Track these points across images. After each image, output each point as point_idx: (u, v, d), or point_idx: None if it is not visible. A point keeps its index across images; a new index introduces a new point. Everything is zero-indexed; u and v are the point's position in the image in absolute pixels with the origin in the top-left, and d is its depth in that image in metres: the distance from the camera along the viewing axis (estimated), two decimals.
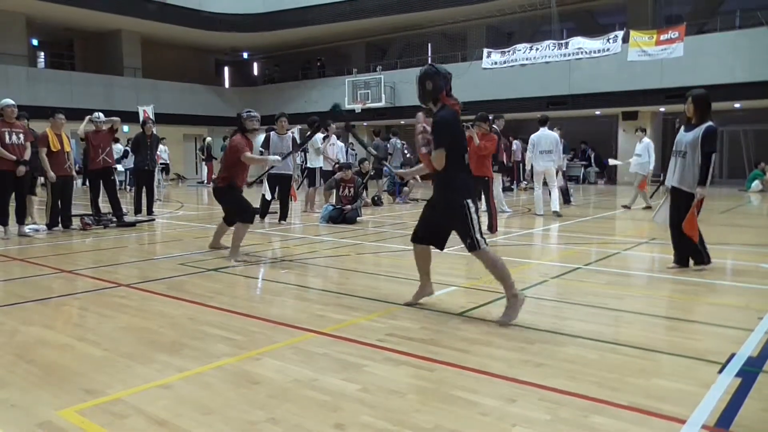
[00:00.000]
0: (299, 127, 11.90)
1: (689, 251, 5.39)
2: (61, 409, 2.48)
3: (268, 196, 9.40)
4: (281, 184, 9.36)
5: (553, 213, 10.04)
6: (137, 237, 8.26)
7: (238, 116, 6.39)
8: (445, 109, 3.84)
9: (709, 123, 5.20)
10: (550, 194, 10.30)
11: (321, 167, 11.17)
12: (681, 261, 5.48)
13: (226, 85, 32.21)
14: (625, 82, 18.31)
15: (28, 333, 3.62)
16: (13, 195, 7.83)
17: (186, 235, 8.18)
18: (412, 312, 4.04)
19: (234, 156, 6.13)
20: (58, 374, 2.91)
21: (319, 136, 11.07)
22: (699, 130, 5.18)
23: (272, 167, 8.01)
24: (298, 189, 11.95)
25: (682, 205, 5.29)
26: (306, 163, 11.51)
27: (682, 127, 5.44)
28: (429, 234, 4.06)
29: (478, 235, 3.75)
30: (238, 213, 6.18)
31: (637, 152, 11.51)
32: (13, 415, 2.45)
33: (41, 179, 9.39)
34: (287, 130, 9.44)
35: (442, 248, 4.13)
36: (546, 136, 10.08)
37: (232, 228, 6.38)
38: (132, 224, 9.25)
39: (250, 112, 6.30)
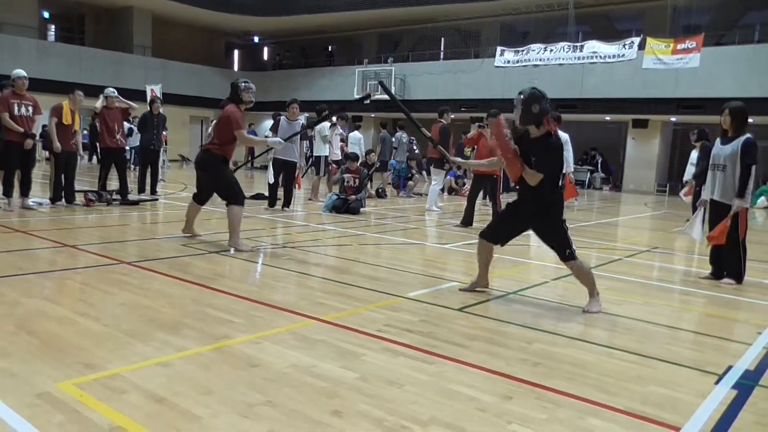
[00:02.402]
0: (307, 114, 11.87)
1: (727, 266, 5.37)
2: (59, 382, 2.49)
3: (271, 180, 9.37)
4: (286, 171, 9.32)
5: None
6: (140, 216, 8.28)
7: (233, 85, 5.86)
8: (555, 136, 4.09)
9: (748, 135, 5.21)
10: None
11: (327, 156, 11.15)
12: (717, 274, 5.48)
13: (236, 68, 32.10)
14: (638, 90, 18.20)
15: (29, 305, 3.63)
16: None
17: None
18: (412, 304, 4.05)
19: (229, 129, 5.65)
20: (57, 347, 2.92)
21: (326, 124, 11.07)
22: (738, 143, 5.18)
23: (271, 149, 7.76)
24: (303, 177, 11.92)
25: (723, 218, 5.25)
26: (312, 152, 11.49)
27: (718, 140, 5.43)
28: (505, 236, 4.42)
29: (574, 247, 4.18)
30: (232, 194, 5.76)
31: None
32: (13, 384, 2.46)
33: (45, 153, 9.40)
34: (298, 116, 9.40)
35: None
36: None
37: (202, 208, 6.17)
38: (135, 203, 9.25)
39: (247, 82, 5.85)
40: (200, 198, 6.14)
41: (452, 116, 10.64)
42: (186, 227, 6.30)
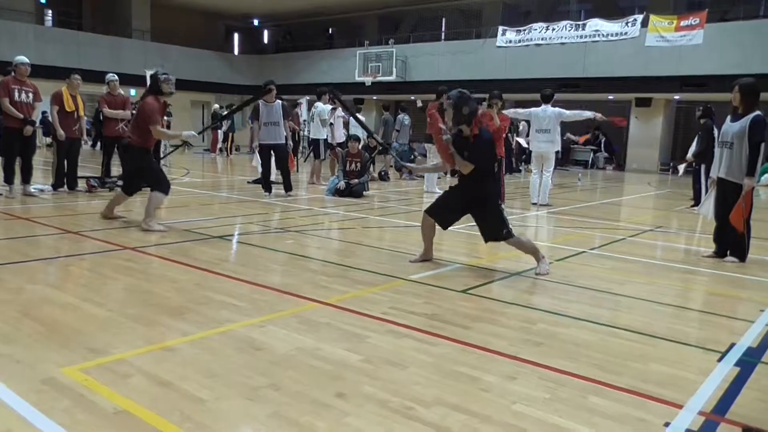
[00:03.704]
0: (307, 97, 11.78)
1: (731, 244, 5.36)
2: (65, 367, 2.50)
3: (256, 163, 9.20)
4: (277, 155, 9.10)
5: (531, 204, 9.06)
6: (142, 201, 8.26)
7: (152, 77, 5.96)
8: (485, 130, 4.55)
9: (757, 112, 5.13)
10: (540, 181, 9.09)
11: (326, 139, 11.07)
12: (720, 253, 5.47)
13: (236, 52, 31.87)
14: (641, 68, 18.01)
15: (33, 291, 3.65)
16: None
17: (192, 202, 8.19)
18: (415, 287, 4.06)
19: (144, 122, 5.77)
20: (62, 332, 2.94)
21: (326, 107, 10.97)
22: (746, 120, 5.12)
23: (184, 143, 7.67)
24: (305, 161, 11.87)
25: (729, 196, 5.22)
26: (311, 135, 11.37)
27: (728, 117, 5.37)
28: (447, 221, 4.78)
29: (510, 226, 4.56)
30: (156, 182, 5.86)
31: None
32: (18, 370, 2.48)
33: (47, 139, 9.37)
34: (275, 99, 9.14)
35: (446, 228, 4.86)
36: (545, 112, 8.80)
37: (129, 199, 6.26)
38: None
39: (166, 74, 5.94)
40: (129, 189, 6.23)
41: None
42: (105, 211, 6.35)
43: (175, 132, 6.63)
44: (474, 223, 4.77)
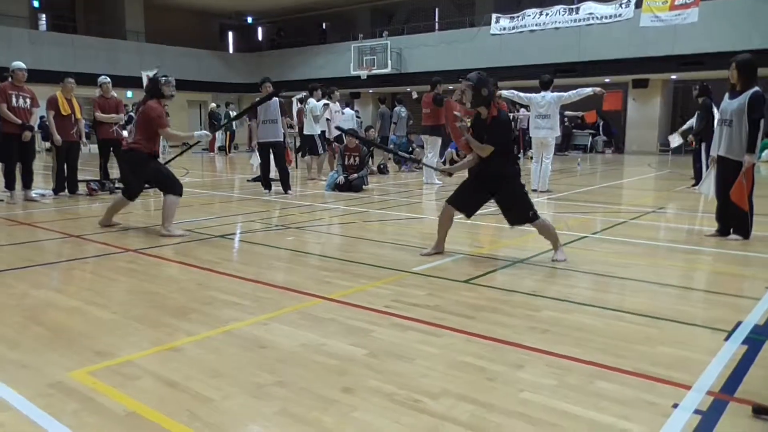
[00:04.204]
0: (304, 93, 11.73)
1: (734, 222, 5.34)
2: (72, 370, 2.51)
3: (255, 162, 9.24)
4: (274, 152, 9.07)
5: (532, 190, 8.42)
6: (143, 203, 8.27)
7: (152, 80, 5.86)
8: (503, 112, 4.56)
9: (756, 88, 5.10)
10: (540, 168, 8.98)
11: (319, 134, 11.04)
12: (723, 231, 5.45)
13: (230, 50, 31.80)
14: (637, 49, 17.93)
15: (37, 296, 3.65)
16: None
17: (192, 202, 8.18)
18: (418, 279, 4.06)
19: (151, 126, 5.65)
20: (68, 336, 2.94)
21: (318, 103, 10.94)
22: (745, 97, 5.09)
23: (190, 145, 7.58)
24: (304, 157, 11.85)
25: (729, 174, 5.21)
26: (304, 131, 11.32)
27: (727, 95, 5.34)
28: (471, 208, 4.75)
29: (535, 208, 4.54)
30: (169, 186, 5.70)
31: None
32: (25, 375, 2.48)
33: (46, 144, 9.38)
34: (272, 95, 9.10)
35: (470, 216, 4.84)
36: (544, 98, 8.74)
37: (130, 203, 6.15)
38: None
39: (167, 77, 5.84)
40: (130, 194, 6.08)
41: (450, 87, 10.56)
42: (104, 219, 6.11)
43: (187, 133, 6.48)
44: (466, 220, 4.79)
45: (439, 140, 10.50)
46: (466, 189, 4.70)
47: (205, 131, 6.50)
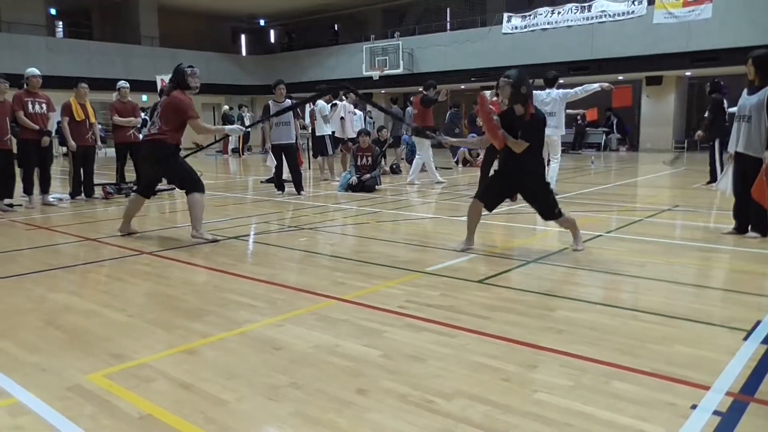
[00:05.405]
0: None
1: (753, 219, 5.26)
2: (89, 374, 2.53)
3: (271, 164, 9.32)
4: (287, 154, 9.08)
5: None
6: (158, 206, 8.35)
7: (179, 70, 5.47)
8: (540, 111, 4.74)
9: None
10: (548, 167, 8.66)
11: (329, 135, 11.08)
12: (740, 228, 5.38)
13: (243, 53, 31.99)
14: (650, 46, 17.75)
15: (55, 300, 3.70)
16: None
17: (207, 203, 8.21)
18: (431, 279, 4.05)
19: (179, 117, 5.33)
20: (85, 339, 2.97)
21: (327, 105, 10.99)
22: (763, 93, 5.04)
23: (201, 147, 7.40)
24: (315, 158, 11.90)
25: (748, 171, 5.13)
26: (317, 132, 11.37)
27: (745, 90, 5.29)
28: (494, 202, 4.91)
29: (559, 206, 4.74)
30: (191, 183, 5.45)
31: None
32: (44, 379, 2.51)
33: (63, 149, 9.50)
34: (285, 98, 9.17)
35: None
36: (549, 96, 8.42)
37: (146, 202, 5.91)
38: (153, 193, 9.31)
39: (192, 67, 5.51)
40: (146, 192, 5.80)
41: (462, 86, 10.54)
42: (123, 226, 5.80)
43: (217, 126, 6.08)
44: (486, 213, 4.88)
45: (427, 141, 10.30)
46: (495, 185, 4.90)
47: (238, 125, 6.18)
